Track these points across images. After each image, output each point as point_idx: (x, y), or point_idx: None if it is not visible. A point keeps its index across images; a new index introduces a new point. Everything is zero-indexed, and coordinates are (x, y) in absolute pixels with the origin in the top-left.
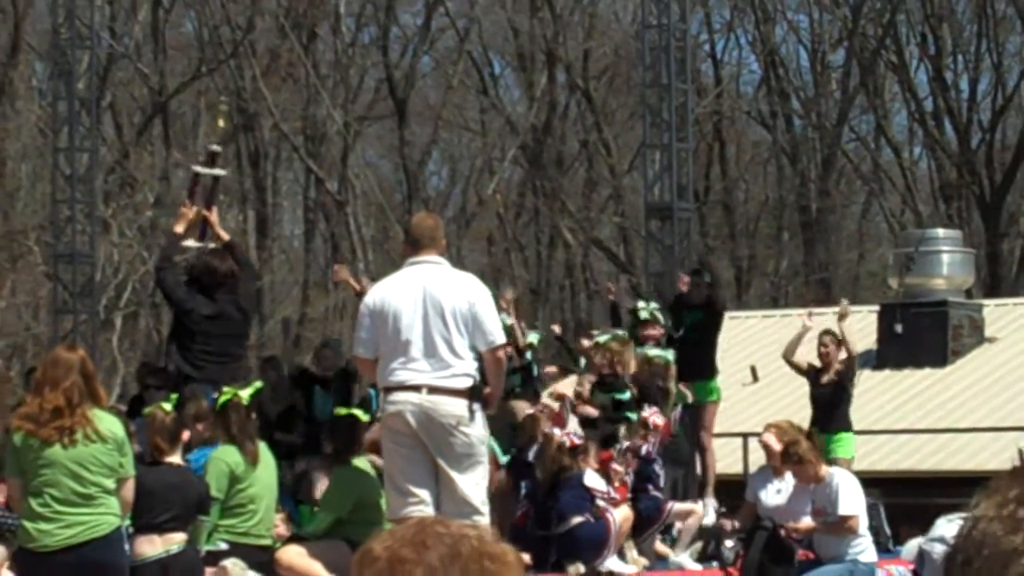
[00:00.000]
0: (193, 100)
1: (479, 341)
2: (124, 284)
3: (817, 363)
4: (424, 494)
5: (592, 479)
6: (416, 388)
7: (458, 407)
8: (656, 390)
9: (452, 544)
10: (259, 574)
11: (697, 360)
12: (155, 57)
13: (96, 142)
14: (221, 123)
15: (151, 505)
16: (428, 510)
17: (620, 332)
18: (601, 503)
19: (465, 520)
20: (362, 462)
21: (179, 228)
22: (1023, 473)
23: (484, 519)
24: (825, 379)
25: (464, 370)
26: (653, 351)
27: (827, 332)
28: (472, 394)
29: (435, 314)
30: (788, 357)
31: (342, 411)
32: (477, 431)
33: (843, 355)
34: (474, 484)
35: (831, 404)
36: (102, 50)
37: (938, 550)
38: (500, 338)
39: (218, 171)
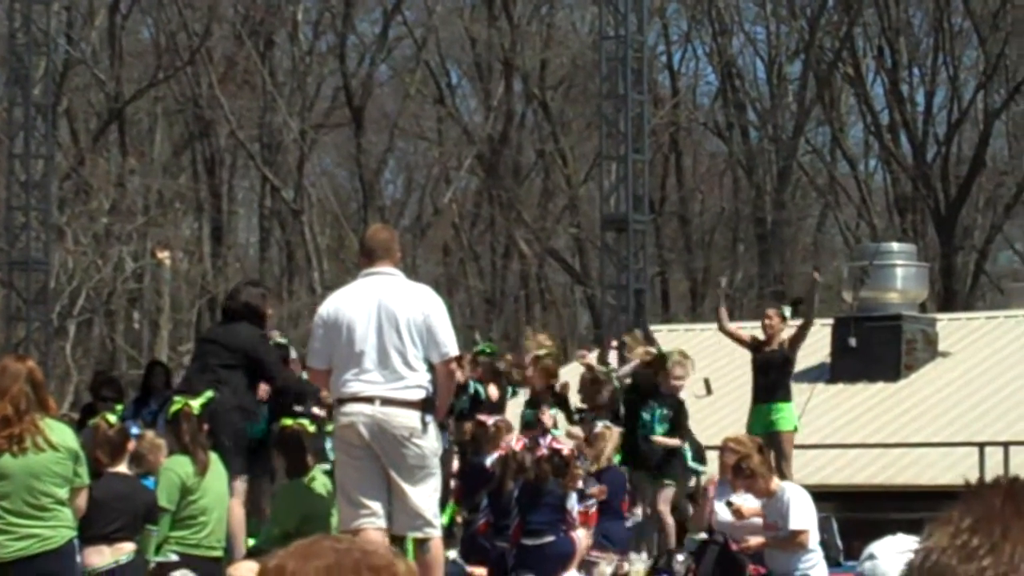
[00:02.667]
0: (149, 107)
1: (432, 353)
2: (78, 291)
3: (760, 336)
4: (376, 506)
5: (574, 503)
6: (369, 399)
7: (411, 419)
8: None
9: (334, 557)
10: None
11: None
12: (111, 63)
13: (51, 148)
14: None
15: (99, 515)
16: (380, 522)
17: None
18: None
19: (418, 532)
20: (316, 475)
21: None
22: (974, 501)
23: (436, 531)
24: (768, 349)
25: (417, 382)
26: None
27: (773, 306)
28: (425, 406)
29: (389, 326)
30: (723, 326)
31: (288, 422)
32: (430, 443)
33: (789, 331)
34: (426, 496)
35: (773, 373)
36: (58, 56)
37: (867, 567)
38: (453, 350)
39: None
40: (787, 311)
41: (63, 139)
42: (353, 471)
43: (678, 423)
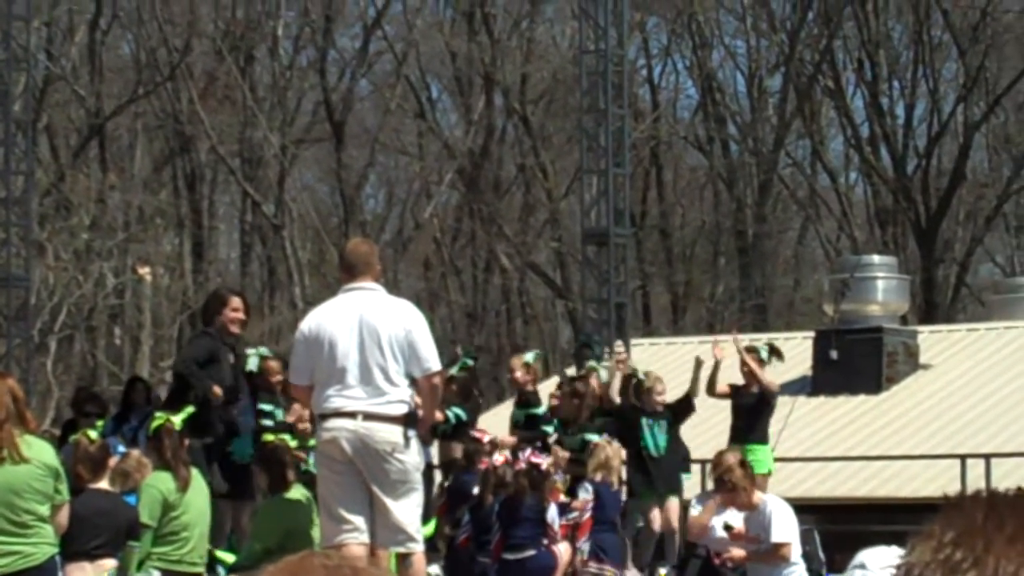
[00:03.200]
0: (130, 123)
1: (414, 368)
2: (59, 308)
3: (740, 381)
4: (358, 521)
5: (554, 515)
6: (351, 415)
7: (393, 434)
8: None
9: (326, 575)
10: None
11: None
12: (92, 79)
13: (32, 164)
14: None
15: (80, 531)
16: (362, 537)
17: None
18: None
19: (400, 547)
20: (297, 491)
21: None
22: (956, 515)
23: (419, 546)
24: (745, 392)
25: (399, 397)
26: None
27: (750, 349)
28: (407, 421)
29: (371, 341)
30: (711, 393)
31: (269, 438)
32: (412, 458)
33: (764, 377)
34: (409, 511)
35: (749, 416)
36: (38, 72)
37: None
38: (436, 365)
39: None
40: (764, 353)
41: (43, 155)
42: (335, 486)
43: (677, 424)
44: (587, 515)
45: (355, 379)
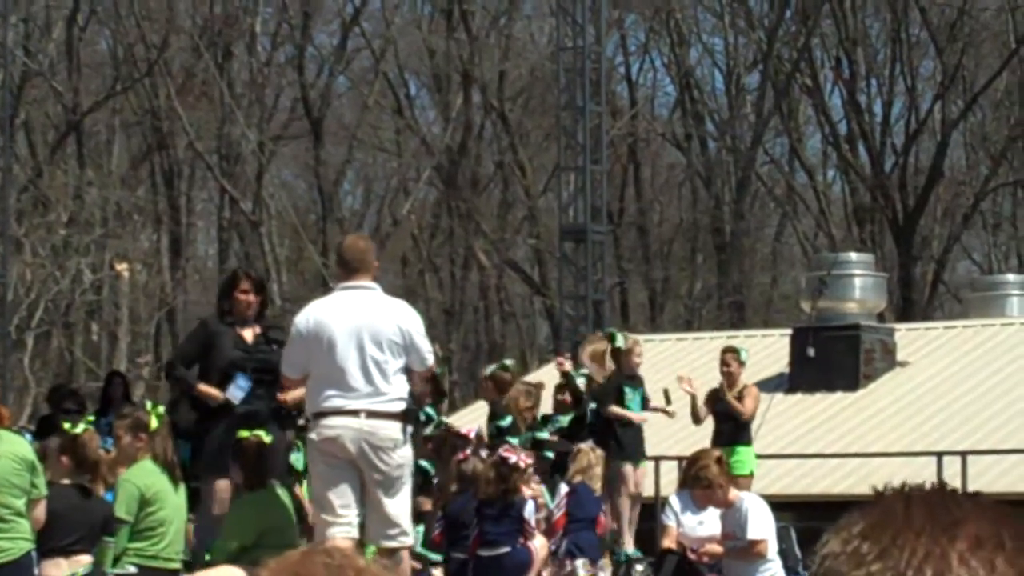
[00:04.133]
0: (108, 118)
1: (415, 363)
2: (36, 304)
3: (720, 382)
4: (351, 516)
5: (531, 512)
6: (354, 413)
7: (394, 430)
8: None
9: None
10: None
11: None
12: (69, 75)
13: (9, 160)
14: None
15: (56, 528)
16: (353, 532)
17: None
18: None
19: (392, 542)
20: (272, 488)
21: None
22: (872, 508)
23: (409, 539)
24: (728, 395)
25: (398, 394)
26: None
27: (728, 350)
28: (406, 417)
29: (371, 342)
30: (700, 421)
31: (245, 434)
32: (408, 453)
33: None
34: (402, 505)
35: (731, 419)
36: (16, 68)
37: None
38: (431, 360)
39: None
40: (744, 355)
41: (21, 151)
42: (331, 482)
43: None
44: (560, 512)
45: (356, 378)
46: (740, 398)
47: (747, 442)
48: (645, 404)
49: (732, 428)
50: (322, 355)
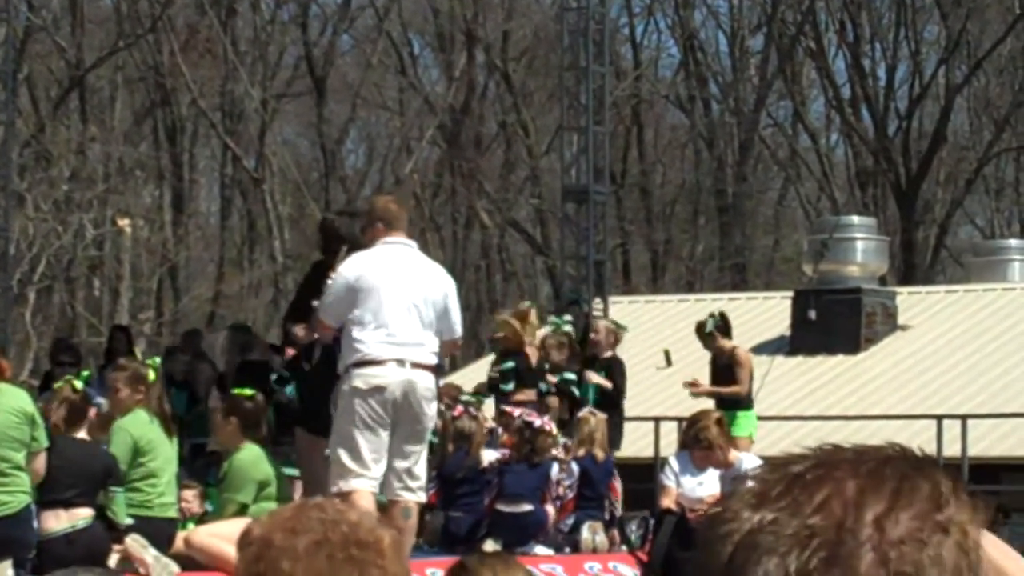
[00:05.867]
0: (111, 74)
1: (445, 330)
2: (38, 258)
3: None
4: (377, 470)
5: (556, 473)
6: (401, 362)
7: (432, 382)
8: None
9: (322, 531)
10: (160, 550)
11: None
12: (73, 31)
13: (12, 115)
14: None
15: (56, 480)
16: (374, 485)
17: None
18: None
19: (412, 495)
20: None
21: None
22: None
23: (424, 495)
24: (720, 364)
25: (434, 348)
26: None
27: (697, 329)
28: (438, 371)
29: (418, 294)
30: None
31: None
32: (436, 408)
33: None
34: (424, 460)
35: (728, 378)
36: (19, 23)
37: None
38: (460, 331)
39: None
40: (710, 324)
41: (23, 106)
42: (370, 434)
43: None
44: (571, 495)
45: (404, 329)
46: (730, 366)
47: (748, 406)
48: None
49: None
50: (370, 304)
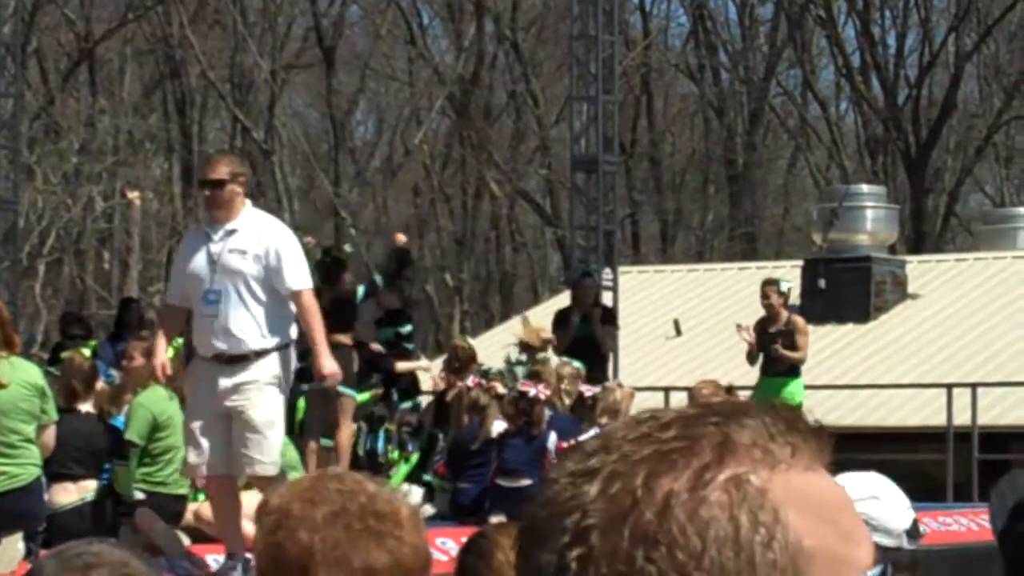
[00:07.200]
0: (120, 47)
1: None
2: (48, 231)
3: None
4: None
5: (553, 443)
6: None
7: None
8: None
9: (340, 502)
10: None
11: None
12: (82, 3)
13: (21, 88)
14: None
15: (64, 454)
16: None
17: None
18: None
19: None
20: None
21: None
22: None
23: None
24: (773, 328)
25: None
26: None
27: (768, 283)
28: None
29: None
30: (755, 363)
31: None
32: None
33: (785, 314)
34: None
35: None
36: None
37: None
38: None
39: None
40: (784, 286)
41: (33, 79)
42: None
43: None
44: None
45: None
46: (788, 332)
47: (797, 374)
48: None
49: (779, 359)
50: None
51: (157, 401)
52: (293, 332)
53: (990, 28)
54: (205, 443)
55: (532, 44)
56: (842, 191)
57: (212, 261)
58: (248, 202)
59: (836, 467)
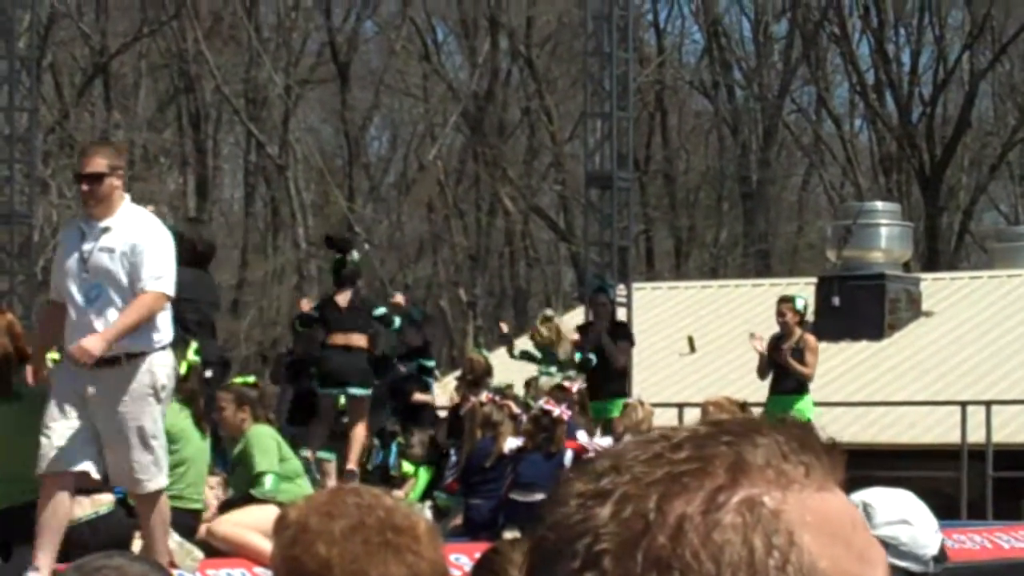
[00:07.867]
0: (135, 61)
1: None
2: None
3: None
4: None
5: (570, 461)
6: None
7: None
8: None
9: (358, 515)
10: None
11: None
12: (97, 17)
13: (36, 102)
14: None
15: None
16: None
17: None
18: None
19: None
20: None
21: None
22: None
23: None
24: (786, 345)
25: None
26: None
27: (783, 300)
28: None
29: None
30: (766, 377)
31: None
32: None
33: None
34: None
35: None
36: (43, 9)
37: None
38: None
39: None
40: (799, 303)
41: (47, 93)
42: None
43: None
44: None
45: None
46: (798, 350)
47: (805, 391)
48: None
49: (791, 378)
50: None
51: (169, 413)
52: (169, 335)
53: (1005, 46)
54: (59, 440)
55: (546, 61)
56: (856, 208)
57: (83, 260)
58: (127, 197)
59: (850, 484)
